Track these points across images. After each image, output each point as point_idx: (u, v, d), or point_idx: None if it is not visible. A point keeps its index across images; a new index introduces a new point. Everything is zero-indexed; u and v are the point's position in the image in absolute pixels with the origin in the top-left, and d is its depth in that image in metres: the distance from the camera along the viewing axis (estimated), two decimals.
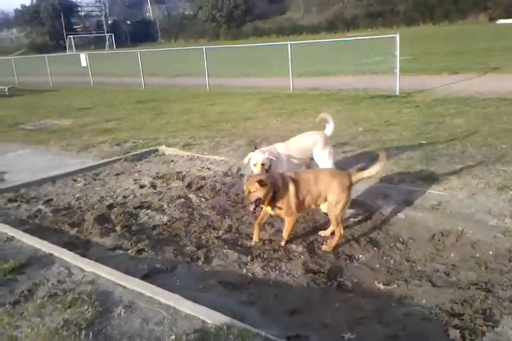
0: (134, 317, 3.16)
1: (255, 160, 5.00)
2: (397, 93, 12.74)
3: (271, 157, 5.00)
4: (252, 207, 4.26)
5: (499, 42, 25.12)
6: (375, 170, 4.45)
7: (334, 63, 18.35)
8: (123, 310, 3.23)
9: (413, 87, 13.33)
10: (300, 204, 4.40)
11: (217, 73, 18.45)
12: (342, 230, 4.48)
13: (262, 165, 4.92)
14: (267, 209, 4.47)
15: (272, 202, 4.30)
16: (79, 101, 16.37)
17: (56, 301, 3.38)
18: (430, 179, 5.65)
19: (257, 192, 4.12)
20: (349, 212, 5.23)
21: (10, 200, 6.04)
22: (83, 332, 2.98)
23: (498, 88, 12.17)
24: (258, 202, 4.20)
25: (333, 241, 4.50)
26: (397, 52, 12.65)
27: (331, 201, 4.39)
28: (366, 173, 4.50)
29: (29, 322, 3.16)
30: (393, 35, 12.62)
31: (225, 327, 2.91)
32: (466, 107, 10.02)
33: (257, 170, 4.94)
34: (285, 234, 4.54)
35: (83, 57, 22.86)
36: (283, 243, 4.55)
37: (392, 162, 6.37)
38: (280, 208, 4.34)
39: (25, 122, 12.57)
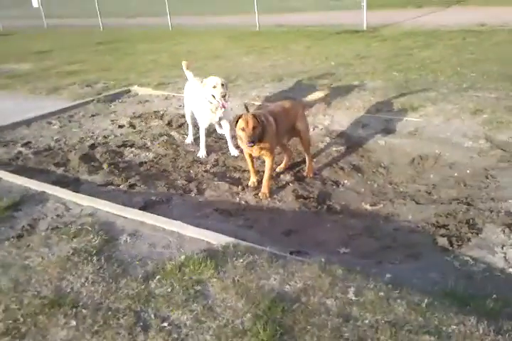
0: (140, 242, 3.27)
1: (214, 81, 4.65)
2: (365, 28, 12.71)
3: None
4: (252, 144, 3.91)
5: None
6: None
7: None
8: (128, 238, 3.33)
9: (379, 21, 13.29)
10: (278, 140, 4.36)
11: (179, 12, 17.75)
12: None
13: (222, 85, 4.66)
14: (252, 152, 4.20)
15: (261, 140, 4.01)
16: (35, 45, 15.53)
17: (60, 233, 3.43)
18: (406, 107, 5.82)
19: (258, 127, 3.90)
20: (331, 141, 5.41)
21: None
22: (94, 257, 3.08)
23: (463, 20, 12.30)
24: (257, 137, 3.92)
25: (310, 166, 4.71)
26: None
27: (303, 127, 4.54)
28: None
29: (38, 252, 3.23)
30: None
31: (231, 245, 3.07)
32: (433, 39, 10.14)
33: (218, 91, 4.63)
34: (266, 178, 4.27)
35: None
36: (266, 189, 4.27)
37: (368, 93, 6.50)
38: (266, 147, 4.10)
39: None
